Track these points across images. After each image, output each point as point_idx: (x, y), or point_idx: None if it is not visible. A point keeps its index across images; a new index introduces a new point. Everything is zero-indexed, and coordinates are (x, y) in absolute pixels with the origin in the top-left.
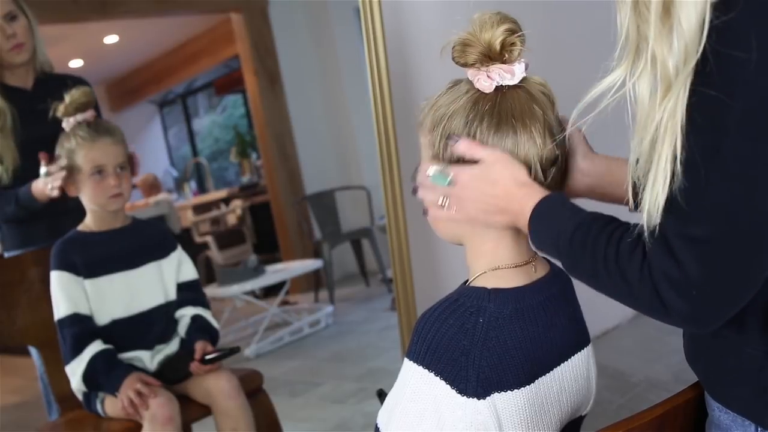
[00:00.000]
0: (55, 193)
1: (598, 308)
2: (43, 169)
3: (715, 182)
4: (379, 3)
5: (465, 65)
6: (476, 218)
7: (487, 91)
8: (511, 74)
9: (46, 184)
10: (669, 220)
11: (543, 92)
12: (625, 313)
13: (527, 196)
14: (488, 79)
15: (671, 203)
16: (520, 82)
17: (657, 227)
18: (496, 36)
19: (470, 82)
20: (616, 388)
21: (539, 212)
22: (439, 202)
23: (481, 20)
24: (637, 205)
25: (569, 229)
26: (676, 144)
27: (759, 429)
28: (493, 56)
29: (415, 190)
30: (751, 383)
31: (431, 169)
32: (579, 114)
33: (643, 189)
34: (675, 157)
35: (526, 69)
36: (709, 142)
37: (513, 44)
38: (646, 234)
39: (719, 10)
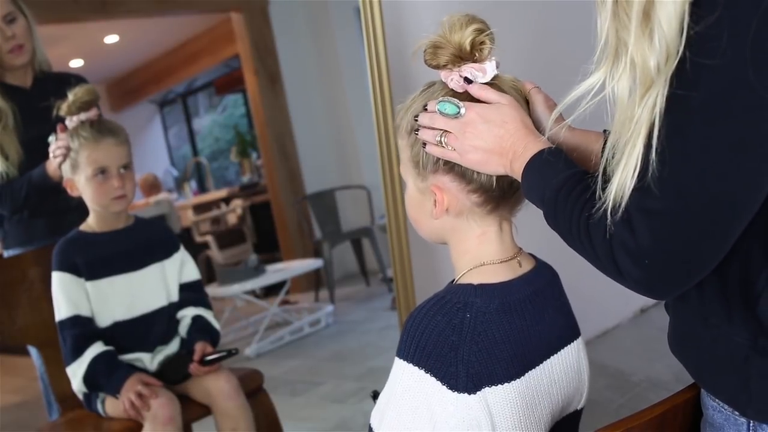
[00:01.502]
0: (58, 160)
1: (599, 307)
2: (51, 137)
3: (673, 161)
4: (379, 2)
5: (437, 67)
6: (470, 158)
7: (460, 91)
8: (483, 72)
9: (52, 151)
10: (632, 195)
11: (515, 88)
12: (625, 313)
13: (533, 141)
14: (461, 78)
15: (637, 182)
16: (492, 79)
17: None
18: (466, 36)
19: (444, 83)
20: (617, 388)
21: (537, 161)
22: (437, 139)
23: (450, 22)
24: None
25: (558, 183)
26: (652, 134)
27: (751, 426)
28: (464, 56)
29: (416, 130)
30: (737, 372)
31: (442, 97)
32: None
33: (613, 174)
34: (647, 146)
35: (497, 67)
36: (674, 124)
37: (483, 43)
38: (609, 213)
39: (696, 14)
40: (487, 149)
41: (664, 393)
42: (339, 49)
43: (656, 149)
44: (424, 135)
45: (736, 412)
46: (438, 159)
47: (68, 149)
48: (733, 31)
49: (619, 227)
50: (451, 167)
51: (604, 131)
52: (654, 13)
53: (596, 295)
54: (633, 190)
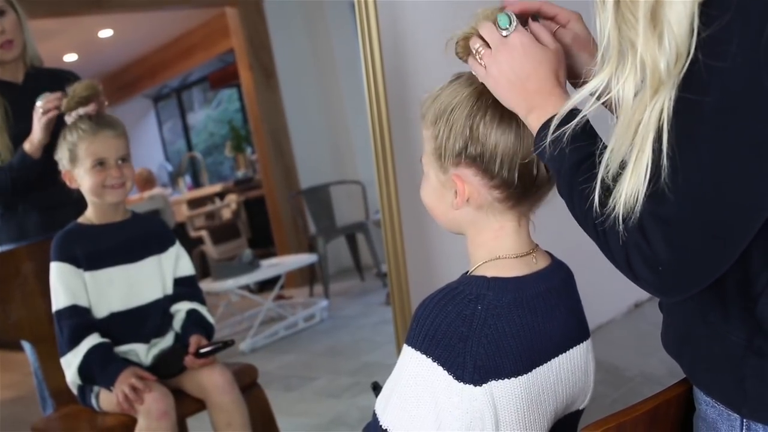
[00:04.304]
0: (50, 115)
1: (593, 302)
2: (39, 102)
3: (685, 167)
4: None
5: (467, 60)
6: (494, 81)
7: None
8: None
9: (39, 108)
10: (644, 201)
11: None
12: (619, 307)
13: (557, 97)
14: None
15: (649, 188)
16: None
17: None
18: None
19: (473, 76)
20: (611, 382)
21: (556, 125)
22: (476, 48)
23: (484, 15)
24: None
25: (572, 164)
26: (661, 138)
27: (744, 422)
28: None
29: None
30: (732, 371)
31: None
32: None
33: (619, 179)
34: (656, 150)
35: None
36: (684, 128)
37: None
38: (621, 220)
39: (706, 14)
40: (511, 80)
41: (657, 387)
42: (334, 44)
43: (667, 154)
44: (472, 44)
45: (730, 409)
46: (460, 152)
47: (60, 100)
48: (743, 33)
49: (633, 233)
50: (474, 160)
51: None
52: (663, 14)
53: (590, 291)
54: (645, 196)
